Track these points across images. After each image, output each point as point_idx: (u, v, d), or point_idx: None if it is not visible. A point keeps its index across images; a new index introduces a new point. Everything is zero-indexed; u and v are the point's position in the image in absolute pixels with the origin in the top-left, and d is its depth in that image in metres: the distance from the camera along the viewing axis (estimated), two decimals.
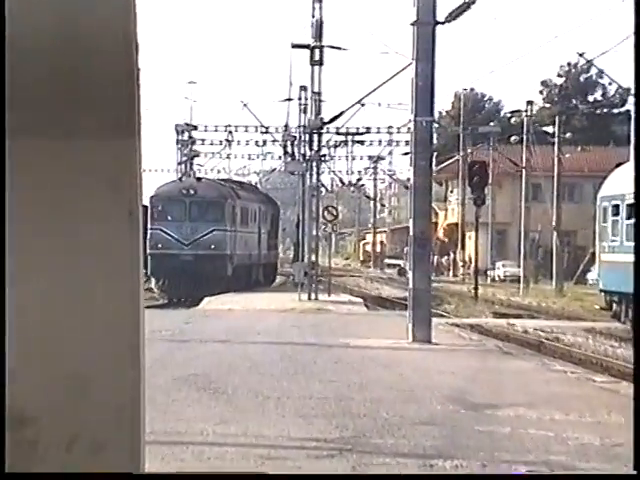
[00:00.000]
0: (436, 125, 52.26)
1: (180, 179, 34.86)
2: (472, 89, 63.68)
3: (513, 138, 41.87)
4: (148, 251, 30.92)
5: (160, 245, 30.89)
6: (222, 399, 8.64)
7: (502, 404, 8.62)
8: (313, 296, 25.82)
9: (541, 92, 60.59)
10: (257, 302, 24.31)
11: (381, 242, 69.34)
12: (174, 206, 31.51)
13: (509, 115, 46.26)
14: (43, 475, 1.53)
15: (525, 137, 39.70)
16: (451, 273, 52.17)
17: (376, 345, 13.57)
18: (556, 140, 39.20)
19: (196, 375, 10.03)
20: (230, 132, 46.49)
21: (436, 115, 69.35)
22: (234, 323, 17.17)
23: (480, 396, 9.15)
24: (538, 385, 10.20)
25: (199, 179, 33.68)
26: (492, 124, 56.21)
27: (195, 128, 47.75)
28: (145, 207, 41.48)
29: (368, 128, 46.50)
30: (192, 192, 31.74)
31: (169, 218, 31.57)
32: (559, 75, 60.70)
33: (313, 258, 27.99)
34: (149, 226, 31.57)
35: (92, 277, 1.58)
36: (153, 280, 32.13)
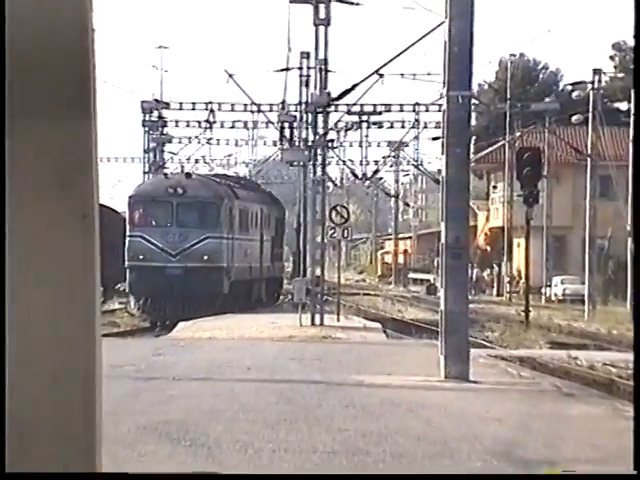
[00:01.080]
0: (475, 102, 52.47)
1: (165, 175, 35.16)
2: (522, 55, 63.75)
3: (575, 117, 41.82)
4: (127, 263, 31.71)
5: (141, 256, 31.18)
6: (201, 454, 8.65)
7: (561, 460, 8.63)
8: (318, 320, 25.87)
9: (612, 58, 60.54)
10: (246, 328, 24.36)
11: (404, 251, 69.47)
12: (158, 208, 31.77)
13: (570, 88, 46.24)
14: (43, 475, 1.77)
15: (591, 116, 39.57)
16: (495, 291, 52.19)
17: (398, 383, 13.58)
18: (632, 120, 39.19)
19: (168, 422, 10.05)
20: (211, 111, 46.70)
21: (475, 89, 69.40)
22: (217, 355, 17.20)
23: (533, 450, 9.15)
24: (608, 437, 10.19)
25: (188, 175, 33.92)
26: (548, 100, 56.33)
27: (167, 106, 47.95)
28: (107, 211, 42.11)
29: (388, 106, 46.63)
30: (180, 191, 31.91)
31: (152, 223, 31.87)
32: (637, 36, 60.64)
33: (318, 272, 28.05)
34: (127, 232, 32.14)
35: (39, 291, 1.63)
36: (132, 299, 32.42)
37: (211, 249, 31.48)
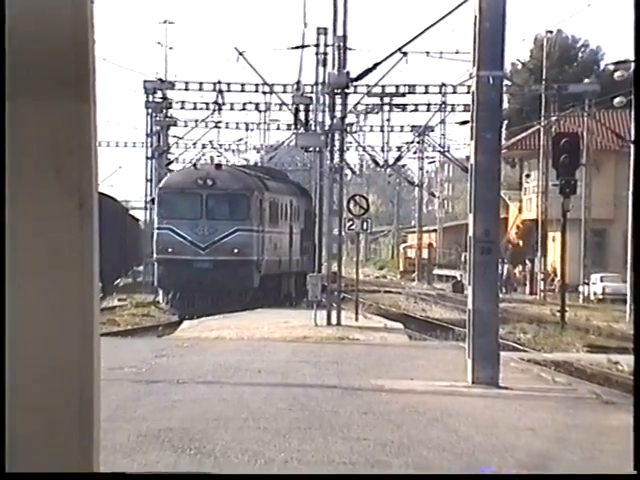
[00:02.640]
0: (508, 82, 52.36)
1: (194, 166, 36.84)
2: (559, 31, 63.52)
3: (618, 100, 41.61)
4: (155, 256, 33.88)
5: (170, 249, 32.97)
6: (207, 463, 8.68)
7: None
8: (334, 319, 25.89)
9: None
10: (257, 328, 24.42)
11: (429, 245, 69.37)
12: (188, 200, 33.46)
13: (612, 68, 46.00)
14: (43, 475, 1.85)
15: (635, 99, 39.27)
16: (527, 289, 52.08)
17: (422, 389, 13.59)
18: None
19: (171, 430, 10.08)
20: (220, 92, 46.75)
21: (508, 68, 69.24)
22: (224, 357, 17.24)
23: (569, 464, 9.13)
24: None
25: (218, 166, 35.61)
26: (588, 81, 56.10)
27: (172, 86, 48.03)
28: (107, 200, 42.51)
29: (412, 87, 46.55)
30: (210, 182, 33.59)
31: (181, 215, 33.50)
32: None
33: (335, 267, 28.07)
34: (155, 225, 34.26)
35: (35, 285, 1.64)
36: (161, 293, 34.28)
37: (241, 242, 33.05)
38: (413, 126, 58.00)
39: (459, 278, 54.78)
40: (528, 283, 52.63)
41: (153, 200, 36.55)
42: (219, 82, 46.52)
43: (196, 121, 52.33)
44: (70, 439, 1.85)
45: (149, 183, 51.42)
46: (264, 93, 47.53)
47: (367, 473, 6.02)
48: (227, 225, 33.22)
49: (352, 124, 52.38)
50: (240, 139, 62.83)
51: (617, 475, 4.20)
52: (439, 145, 59.09)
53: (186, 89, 47.53)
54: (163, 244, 33.05)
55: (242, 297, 32.15)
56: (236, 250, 32.81)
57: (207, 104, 48.37)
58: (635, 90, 9.16)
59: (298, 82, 40.73)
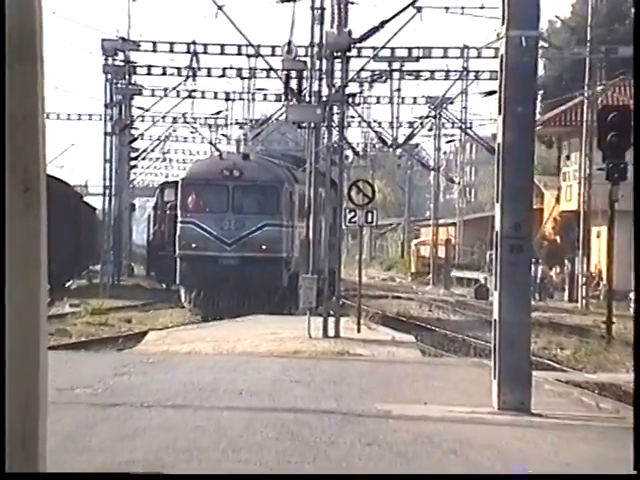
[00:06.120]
0: (544, 44, 52.34)
1: (220, 156, 40.04)
2: None
3: None
4: (177, 252, 36.92)
5: (194, 244, 36.14)
6: None
7: None
8: (332, 330, 25.92)
9: None
10: (237, 340, 24.51)
11: (447, 242, 69.49)
12: (213, 192, 36.77)
13: None
14: (43, 475, 2.00)
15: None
16: (566, 295, 52.19)
17: (437, 415, 13.63)
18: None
19: (133, 463, 10.12)
20: (195, 55, 46.81)
21: (544, 27, 69.11)
22: (199, 375, 17.28)
23: None
24: None
25: (246, 156, 38.61)
26: None
27: (136, 47, 48.06)
28: (56, 184, 42.83)
29: (427, 50, 46.59)
30: (237, 174, 36.80)
31: (206, 209, 36.84)
32: None
33: (333, 267, 28.11)
34: (179, 219, 37.28)
35: None
36: (183, 291, 37.31)
37: (270, 238, 36.08)
38: (428, 97, 58.10)
39: (483, 282, 54.88)
40: (567, 288, 52.71)
41: (133, 206, 38.56)
42: (194, 43, 46.54)
43: (165, 90, 52.40)
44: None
45: (108, 164, 51.47)
46: (248, 56, 47.60)
47: (368, 473, 6.15)
48: (255, 219, 36.18)
49: (355, 95, 52.48)
50: (219, 112, 62.91)
51: (617, 475, 4.44)
52: (459, 121, 59.14)
53: (154, 51, 47.55)
54: (186, 239, 36.07)
55: (270, 297, 34.85)
56: (264, 246, 35.65)
57: (179, 69, 48.42)
58: (635, 90, 9.42)
59: (289, 43, 40.67)
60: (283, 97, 42.33)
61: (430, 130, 62.61)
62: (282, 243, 36.58)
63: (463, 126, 59.00)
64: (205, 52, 46.54)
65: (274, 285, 35.64)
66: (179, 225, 36.88)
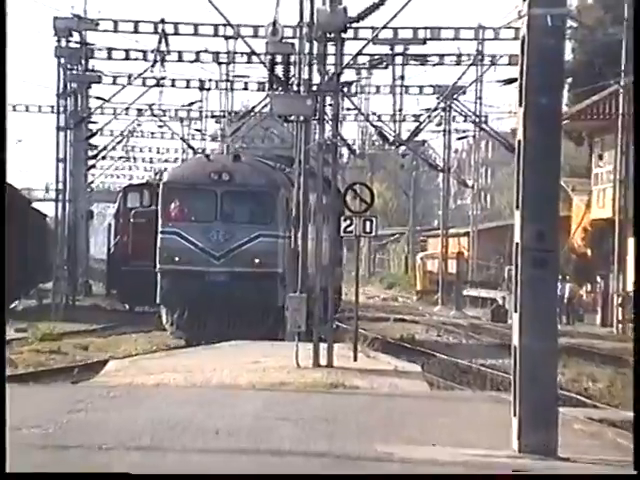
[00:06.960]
0: (572, 24, 52.44)
1: (207, 157, 40.48)
2: None
3: None
4: (158, 266, 36.93)
5: (177, 258, 36.49)
6: None
7: None
8: (324, 358, 25.86)
9: None
10: (212, 370, 24.49)
11: (458, 255, 69.57)
12: (199, 198, 37.19)
13: None
14: (43, 475, 1.96)
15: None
16: (599, 317, 52.20)
17: (448, 459, 13.61)
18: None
19: None
20: (164, 36, 46.79)
21: (573, 4, 69.14)
22: (168, 412, 17.28)
23: None
24: None
25: (237, 157, 38.77)
26: None
27: (95, 26, 48.06)
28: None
29: (436, 31, 46.67)
30: (226, 177, 37.07)
31: (191, 217, 37.21)
32: None
33: (326, 284, 28.10)
34: (160, 229, 37.37)
35: None
36: (164, 311, 37.27)
37: (264, 250, 36.44)
38: (437, 86, 58.13)
39: (501, 302, 54.89)
40: (599, 309, 52.74)
41: (91, 213, 38.61)
42: (162, 21, 46.56)
43: (129, 77, 52.34)
44: None
45: (61, 164, 51.40)
46: (226, 38, 47.67)
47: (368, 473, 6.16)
48: (247, 230, 36.52)
49: (351, 83, 52.52)
50: (192, 103, 63.02)
51: (617, 475, 4.56)
52: (473, 114, 59.19)
53: (115, 31, 47.58)
54: (168, 252, 36.40)
55: (264, 317, 35.43)
56: (257, 260, 36.12)
57: (145, 53, 48.37)
58: (635, 90, 9.52)
59: (274, 23, 40.72)
60: (267, 86, 42.40)
61: (439, 125, 62.66)
62: (278, 257, 36.76)
63: (477, 120, 59.02)
64: (176, 33, 46.56)
65: (268, 304, 35.80)
66: (160, 236, 37.10)
